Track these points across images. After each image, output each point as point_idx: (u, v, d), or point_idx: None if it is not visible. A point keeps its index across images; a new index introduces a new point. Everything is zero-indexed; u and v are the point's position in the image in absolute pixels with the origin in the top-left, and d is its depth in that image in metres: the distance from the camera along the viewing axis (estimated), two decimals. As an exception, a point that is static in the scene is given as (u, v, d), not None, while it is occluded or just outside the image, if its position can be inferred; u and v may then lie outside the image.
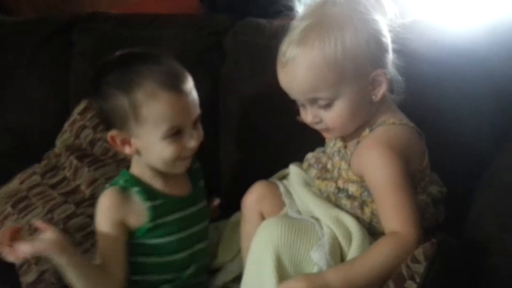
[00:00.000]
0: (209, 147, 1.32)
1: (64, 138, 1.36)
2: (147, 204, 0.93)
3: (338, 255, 0.85)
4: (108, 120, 0.91)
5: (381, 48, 0.83)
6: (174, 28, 1.38)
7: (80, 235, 1.14)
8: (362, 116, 0.86)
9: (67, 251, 0.85)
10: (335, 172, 0.93)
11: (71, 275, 0.86)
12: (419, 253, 0.71)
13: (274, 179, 1.06)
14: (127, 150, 0.92)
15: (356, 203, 0.87)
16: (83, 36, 1.46)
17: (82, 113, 1.35)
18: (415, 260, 0.71)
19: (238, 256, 1.08)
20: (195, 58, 1.33)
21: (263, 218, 0.98)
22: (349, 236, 0.85)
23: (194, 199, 1.02)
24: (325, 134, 0.92)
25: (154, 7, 1.55)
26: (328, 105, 0.84)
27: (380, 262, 0.77)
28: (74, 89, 1.47)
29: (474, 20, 1.04)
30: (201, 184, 1.06)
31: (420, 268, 0.69)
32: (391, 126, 0.86)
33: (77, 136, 1.34)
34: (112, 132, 0.91)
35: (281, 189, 1.00)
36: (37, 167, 1.31)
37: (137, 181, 0.94)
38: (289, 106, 1.19)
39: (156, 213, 0.93)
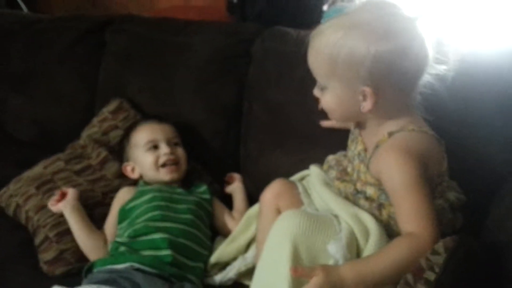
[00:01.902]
0: (230, 148, 1.38)
1: (91, 131, 1.40)
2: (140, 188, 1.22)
3: (354, 251, 0.87)
4: (122, 156, 1.30)
5: (381, 70, 0.83)
6: (204, 34, 1.43)
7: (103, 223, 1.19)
8: (351, 115, 0.92)
9: (77, 212, 1.15)
10: (355, 174, 0.96)
11: (76, 232, 1.14)
12: (439, 246, 0.73)
13: (293, 179, 1.09)
14: (135, 175, 1.26)
15: (374, 205, 0.90)
16: (116, 37, 1.52)
17: (114, 113, 1.41)
18: (435, 253, 0.73)
19: (248, 251, 1.10)
20: (223, 64, 1.38)
21: (279, 214, 0.99)
22: (366, 233, 0.88)
23: (182, 192, 1.20)
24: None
25: (182, 15, 1.62)
26: (322, 89, 0.92)
27: (395, 260, 0.79)
28: (102, 86, 1.52)
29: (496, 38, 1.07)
30: (202, 196, 1.23)
31: (439, 259, 0.71)
32: (410, 132, 0.88)
33: (105, 133, 1.39)
34: (124, 163, 1.27)
35: (300, 188, 1.03)
36: (61, 155, 1.34)
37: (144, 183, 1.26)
38: (310, 110, 1.23)
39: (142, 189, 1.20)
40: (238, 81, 1.36)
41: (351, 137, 1.02)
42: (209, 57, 1.39)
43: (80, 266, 1.10)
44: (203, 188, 1.24)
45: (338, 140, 1.09)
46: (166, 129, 1.27)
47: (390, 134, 0.89)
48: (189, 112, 1.39)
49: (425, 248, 0.77)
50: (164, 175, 1.21)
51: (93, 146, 1.34)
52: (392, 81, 0.85)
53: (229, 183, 1.33)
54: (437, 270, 0.70)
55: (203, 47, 1.40)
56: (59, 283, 1.03)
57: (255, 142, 1.32)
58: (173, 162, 1.22)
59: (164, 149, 1.22)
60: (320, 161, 1.13)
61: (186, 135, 1.32)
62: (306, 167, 1.13)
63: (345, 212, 0.90)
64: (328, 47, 0.86)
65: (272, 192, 1.03)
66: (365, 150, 0.95)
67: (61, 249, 1.14)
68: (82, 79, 1.53)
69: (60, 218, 1.18)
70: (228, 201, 1.29)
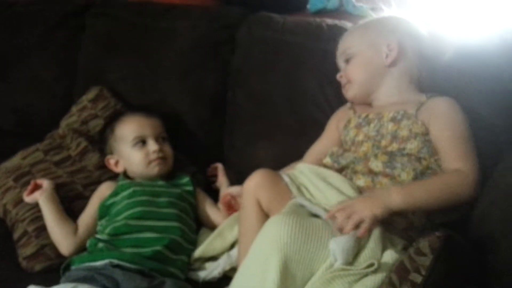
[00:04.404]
0: (214, 138, 1.34)
1: (70, 121, 1.36)
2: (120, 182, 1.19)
3: (355, 248, 0.82)
4: (104, 149, 1.24)
5: (403, 32, 1.03)
6: (188, 19, 1.38)
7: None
8: (375, 73, 1.02)
9: (52, 202, 1.13)
10: (388, 138, 0.96)
11: (48, 221, 1.11)
12: (424, 246, 0.70)
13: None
14: (119, 168, 1.21)
15: (413, 158, 0.92)
16: (96, 21, 1.46)
17: (93, 101, 1.36)
18: (420, 253, 0.70)
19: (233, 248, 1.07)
20: (207, 50, 1.34)
21: (260, 206, 0.96)
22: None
23: (164, 185, 1.17)
24: (345, 91, 1.07)
25: (168, -2, 1.56)
26: (348, 60, 1.05)
27: (441, 188, 0.85)
28: (82, 73, 1.47)
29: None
30: (185, 188, 1.19)
31: (426, 260, 0.68)
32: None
33: (84, 122, 1.34)
34: (108, 156, 1.22)
35: (286, 179, 0.99)
36: (40, 145, 1.29)
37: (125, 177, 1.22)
38: (296, 100, 1.20)
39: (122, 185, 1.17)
40: (222, 69, 1.32)
41: (351, 125, 1.04)
42: (193, 43, 1.35)
43: (61, 261, 1.07)
44: (186, 179, 1.21)
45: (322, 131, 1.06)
46: (154, 123, 1.22)
47: (430, 97, 0.98)
48: (172, 101, 1.35)
49: (469, 183, 0.85)
50: (152, 169, 1.17)
51: (72, 136, 1.30)
52: (412, 44, 1.02)
53: (213, 175, 1.30)
54: (423, 272, 0.68)
55: (186, 32, 1.36)
56: (40, 279, 1.00)
57: (239, 132, 1.29)
58: (162, 159, 1.18)
59: (153, 146, 1.17)
60: (304, 152, 1.10)
61: (169, 124, 1.27)
62: (293, 159, 1.10)
63: None
64: (363, 23, 1.09)
65: (252, 182, 0.98)
66: (404, 111, 0.98)
67: (41, 244, 1.11)
68: (61, 65, 1.48)
69: (39, 213, 1.14)
70: (213, 191, 1.26)
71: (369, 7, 1.45)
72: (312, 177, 0.96)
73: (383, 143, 0.97)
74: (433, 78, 1.04)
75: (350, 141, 1.03)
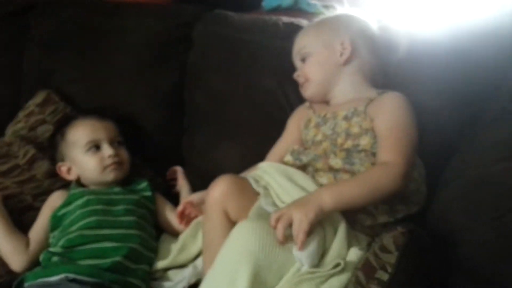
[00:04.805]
0: (172, 140, 1.30)
1: (17, 127, 1.28)
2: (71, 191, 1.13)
3: (320, 250, 0.82)
4: (54, 156, 1.18)
5: (356, 30, 1.04)
6: (139, 17, 1.34)
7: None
8: (331, 72, 1.03)
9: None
10: (342, 136, 0.97)
11: None
12: (389, 243, 0.71)
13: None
14: (72, 176, 1.15)
15: (368, 153, 0.93)
16: (41, 21, 1.38)
17: (41, 106, 1.29)
18: (385, 250, 0.70)
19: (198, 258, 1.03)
20: (161, 49, 1.30)
21: (227, 216, 0.92)
22: (334, 229, 0.84)
23: (120, 192, 1.13)
24: (303, 90, 1.06)
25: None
26: (304, 59, 1.05)
27: (368, 182, 0.85)
28: (28, 77, 1.39)
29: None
30: (143, 194, 1.15)
31: (391, 258, 0.69)
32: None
33: (32, 129, 1.27)
34: (59, 163, 1.16)
35: (251, 181, 0.95)
36: (-15, 155, 1.22)
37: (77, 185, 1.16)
38: (256, 99, 1.19)
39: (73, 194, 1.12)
40: (179, 68, 1.29)
41: (312, 125, 1.04)
42: (146, 42, 1.31)
43: (11, 278, 1.01)
44: (144, 184, 1.17)
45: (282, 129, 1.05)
46: (108, 127, 1.16)
47: (380, 93, 0.99)
48: (126, 103, 1.30)
49: (396, 175, 0.85)
50: (107, 175, 1.12)
51: (20, 143, 1.23)
52: (364, 41, 1.03)
53: (172, 179, 1.26)
54: (389, 270, 0.68)
55: (138, 31, 1.32)
56: (-13, 298, 0.93)
57: (199, 133, 1.26)
58: (118, 164, 1.13)
59: (107, 150, 1.12)
60: (267, 151, 1.08)
61: (124, 127, 1.22)
62: (256, 158, 1.08)
63: None
64: (316, 22, 1.09)
65: (217, 191, 0.92)
66: (354, 108, 0.99)
67: (-11, 262, 1.04)
68: (3, 69, 1.38)
69: (-16, 227, 1.07)
70: (173, 195, 1.22)
71: (322, 5, 1.45)
72: (276, 176, 0.94)
73: (339, 141, 0.97)
74: (386, 74, 1.06)
75: (311, 141, 1.03)
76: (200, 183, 1.17)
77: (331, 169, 0.95)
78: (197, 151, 1.27)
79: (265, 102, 1.16)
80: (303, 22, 1.21)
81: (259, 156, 1.07)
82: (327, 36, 1.04)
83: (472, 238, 0.72)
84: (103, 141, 1.13)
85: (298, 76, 1.07)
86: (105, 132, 1.14)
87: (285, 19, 1.23)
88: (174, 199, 1.20)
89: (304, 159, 0.98)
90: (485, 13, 1.03)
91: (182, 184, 1.22)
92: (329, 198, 0.83)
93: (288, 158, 1.01)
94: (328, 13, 1.13)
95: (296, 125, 1.09)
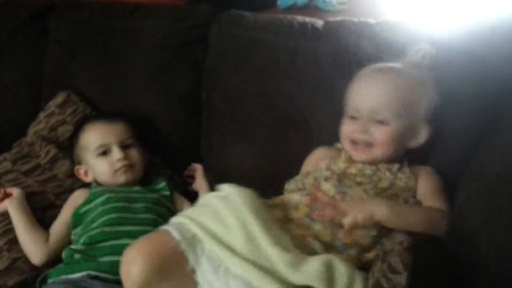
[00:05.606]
0: (190, 140, 1.32)
1: (38, 128, 1.31)
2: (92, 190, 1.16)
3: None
4: (72, 155, 1.22)
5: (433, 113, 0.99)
6: (156, 19, 1.35)
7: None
8: (400, 149, 0.99)
9: (22, 210, 1.09)
10: (385, 183, 0.97)
11: (18, 230, 1.08)
12: (397, 263, 0.71)
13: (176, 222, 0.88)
14: (89, 178, 1.18)
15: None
16: (60, 23, 1.41)
17: (61, 106, 1.32)
18: (395, 271, 0.70)
19: None
20: (178, 50, 1.31)
21: None
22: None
23: (139, 191, 1.14)
24: (361, 152, 0.99)
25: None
26: (381, 122, 0.97)
27: (431, 218, 0.89)
28: (48, 78, 1.41)
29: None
30: (162, 193, 1.17)
31: (401, 279, 0.68)
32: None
33: (53, 129, 1.30)
34: (77, 167, 1.20)
35: (182, 244, 0.80)
36: (8, 154, 1.25)
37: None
38: (272, 99, 1.19)
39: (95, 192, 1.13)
40: (195, 69, 1.30)
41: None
42: (162, 43, 1.32)
43: (36, 275, 1.04)
44: (162, 184, 1.18)
45: (303, 134, 1.05)
46: (118, 129, 1.18)
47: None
48: (143, 103, 1.31)
49: (445, 224, 0.87)
50: (118, 177, 1.14)
51: (41, 143, 1.26)
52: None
53: (191, 176, 1.27)
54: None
55: (155, 33, 1.33)
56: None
57: (216, 133, 1.27)
58: (128, 166, 1.15)
59: (116, 154, 1.14)
60: (283, 150, 1.09)
61: (142, 128, 1.25)
62: (271, 158, 1.09)
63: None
64: (406, 91, 0.97)
65: (136, 271, 0.77)
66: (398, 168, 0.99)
67: (14, 257, 1.07)
68: (25, 71, 1.41)
69: (9, 225, 1.10)
70: (191, 193, 1.23)
71: (338, 2, 1.45)
72: (219, 208, 0.85)
73: (380, 186, 0.97)
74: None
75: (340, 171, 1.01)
76: (218, 182, 1.19)
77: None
78: (214, 151, 1.28)
79: (280, 101, 1.17)
80: (319, 22, 1.20)
81: (274, 155, 1.08)
82: (414, 116, 0.96)
83: (490, 239, 0.71)
84: (113, 145, 1.15)
85: (359, 132, 0.98)
86: (114, 136, 1.16)
87: (300, 18, 1.23)
88: (193, 196, 1.21)
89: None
90: (502, 16, 1.01)
91: (201, 183, 1.23)
92: (385, 210, 0.85)
93: (328, 187, 0.96)
94: (345, 8, 1.07)
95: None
